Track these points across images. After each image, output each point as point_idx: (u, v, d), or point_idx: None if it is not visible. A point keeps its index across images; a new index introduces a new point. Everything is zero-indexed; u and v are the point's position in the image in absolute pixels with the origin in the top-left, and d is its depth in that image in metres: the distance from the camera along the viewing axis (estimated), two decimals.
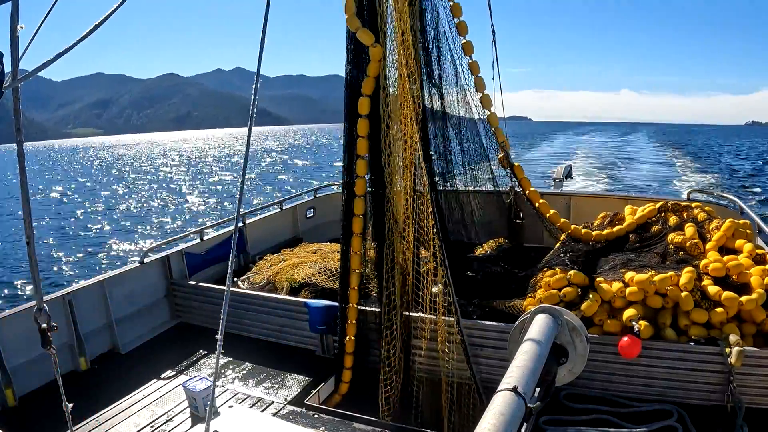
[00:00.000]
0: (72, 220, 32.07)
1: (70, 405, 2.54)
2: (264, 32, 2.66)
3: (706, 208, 7.72)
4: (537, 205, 7.26)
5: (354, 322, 6.18)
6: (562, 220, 7.38)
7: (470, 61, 6.45)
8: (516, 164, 7.22)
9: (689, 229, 7.00)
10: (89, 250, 23.97)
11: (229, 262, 2.79)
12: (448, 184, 7.38)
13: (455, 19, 6.25)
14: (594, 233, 7.18)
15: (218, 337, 2.68)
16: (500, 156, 7.56)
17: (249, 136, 2.73)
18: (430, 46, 6.19)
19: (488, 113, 6.75)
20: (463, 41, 6.37)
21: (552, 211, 7.45)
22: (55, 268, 20.79)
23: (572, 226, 7.28)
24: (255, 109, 2.69)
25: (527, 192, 7.26)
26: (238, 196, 2.91)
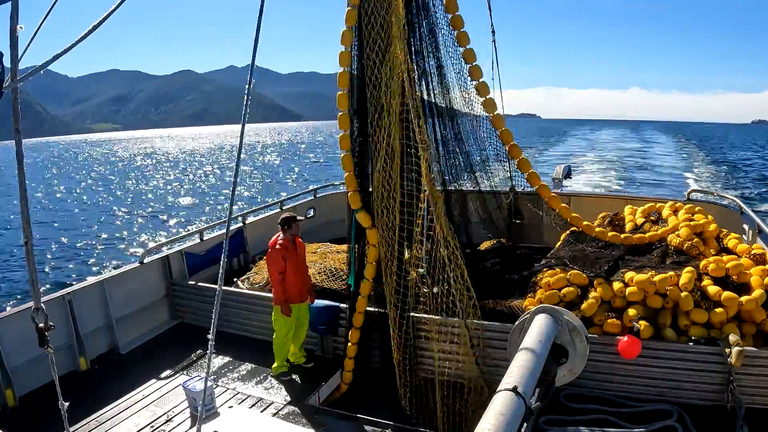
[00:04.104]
0: (72, 219, 32.05)
1: (66, 404, 2.54)
2: (258, 31, 2.64)
3: (697, 209, 7.71)
4: (548, 200, 7.07)
5: (359, 323, 6.21)
6: (573, 214, 7.13)
7: (471, 66, 6.49)
8: (523, 158, 7.02)
9: (684, 230, 7.01)
10: (89, 249, 23.95)
11: (221, 262, 2.79)
12: (453, 185, 7.37)
13: (455, 31, 6.34)
14: (610, 234, 7.00)
15: (209, 336, 2.68)
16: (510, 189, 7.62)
17: (241, 138, 2.71)
18: (428, 53, 6.33)
19: (492, 116, 6.73)
20: (463, 50, 6.43)
21: (562, 205, 7.18)
22: (55, 268, 20.78)
23: (584, 223, 7.04)
24: (248, 110, 2.67)
25: (536, 187, 7.06)
26: (230, 195, 2.90)
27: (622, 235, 7.02)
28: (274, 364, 6.46)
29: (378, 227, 5.79)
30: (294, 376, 6.43)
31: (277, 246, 6.31)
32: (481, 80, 6.58)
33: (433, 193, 5.26)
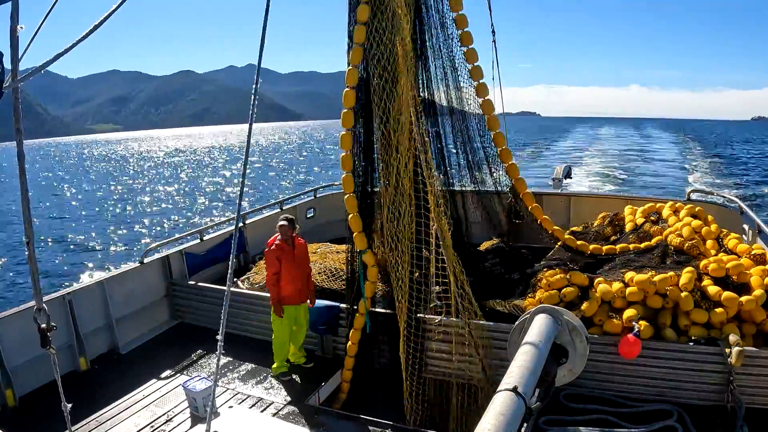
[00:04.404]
0: (72, 219, 32.06)
1: (69, 405, 2.54)
2: (263, 33, 2.65)
3: (697, 209, 7.73)
4: (530, 208, 7.16)
5: (359, 329, 6.20)
6: (555, 227, 7.27)
7: (471, 67, 6.54)
8: (512, 163, 7.10)
9: (686, 230, 7.02)
10: (89, 249, 23.96)
11: (230, 263, 2.78)
12: (452, 184, 7.38)
13: (459, 30, 6.38)
14: (591, 247, 7.07)
15: (219, 337, 2.68)
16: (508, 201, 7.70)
17: (248, 139, 2.72)
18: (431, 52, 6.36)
19: (488, 117, 6.75)
20: (465, 50, 6.47)
21: (544, 216, 7.30)
22: (55, 268, 20.76)
23: (565, 236, 7.18)
24: (255, 110, 2.68)
25: (521, 194, 7.15)
26: (238, 194, 2.90)
27: (605, 248, 7.06)
28: (274, 365, 6.46)
29: (383, 234, 5.77)
30: (294, 376, 6.43)
31: (273, 246, 6.28)
32: (481, 81, 6.60)
33: (442, 229, 5.27)
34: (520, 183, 7.13)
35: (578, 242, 7.08)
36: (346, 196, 5.97)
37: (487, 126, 6.86)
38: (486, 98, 6.70)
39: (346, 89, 5.88)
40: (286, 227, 6.30)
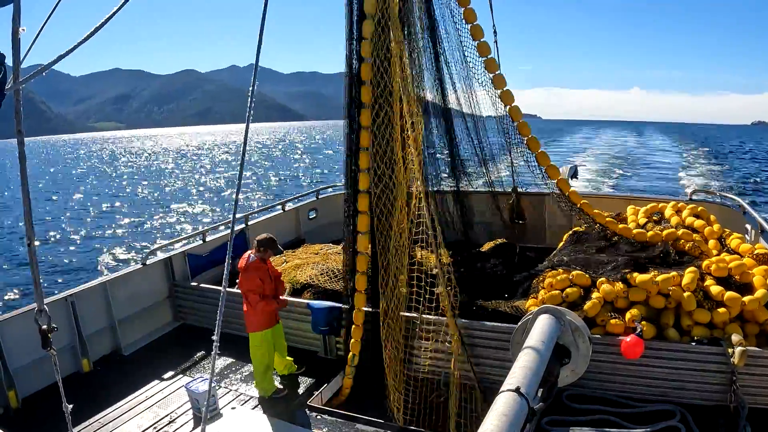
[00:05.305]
0: (75, 220, 32.12)
1: (70, 406, 2.55)
2: (261, 33, 2.65)
3: (699, 209, 7.71)
4: (579, 204, 7.09)
5: (360, 324, 6.18)
6: (620, 225, 7.17)
7: (486, 59, 6.51)
8: (541, 151, 6.89)
9: (690, 227, 7.00)
10: (91, 250, 24.00)
11: (226, 263, 2.79)
12: (448, 184, 7.39)
13: (468, 24, 6.37)
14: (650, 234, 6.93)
15: (214, 338, 2.69)
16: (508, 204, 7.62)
17: (245, 141, 2.72)
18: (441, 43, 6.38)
19: (509, 108, 6.68)
20: (477, 43, 6.46)
21: (584, 201, 7.24)
22: (57, 269, 20.80)
23: (634, 231, 7.02)
24: (252, 111, 2.68)
25: (567, 192, 7.05)
26: (234, 197, 2.91)
27: (635, 230, 6.96)
28: (262, 390, 6.09)
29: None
30: (287, 384, 6.33)
31: (250, 266, 5.81)
32: (497, 73, 6.57)
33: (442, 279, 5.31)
34: (553, 170, 7.11)
35: (620, 225, 7.02)
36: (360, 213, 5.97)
37: (511, 116, 6.81)
38: (505, 89, 6.64)
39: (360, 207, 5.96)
40: (271, 253, 5.92)
